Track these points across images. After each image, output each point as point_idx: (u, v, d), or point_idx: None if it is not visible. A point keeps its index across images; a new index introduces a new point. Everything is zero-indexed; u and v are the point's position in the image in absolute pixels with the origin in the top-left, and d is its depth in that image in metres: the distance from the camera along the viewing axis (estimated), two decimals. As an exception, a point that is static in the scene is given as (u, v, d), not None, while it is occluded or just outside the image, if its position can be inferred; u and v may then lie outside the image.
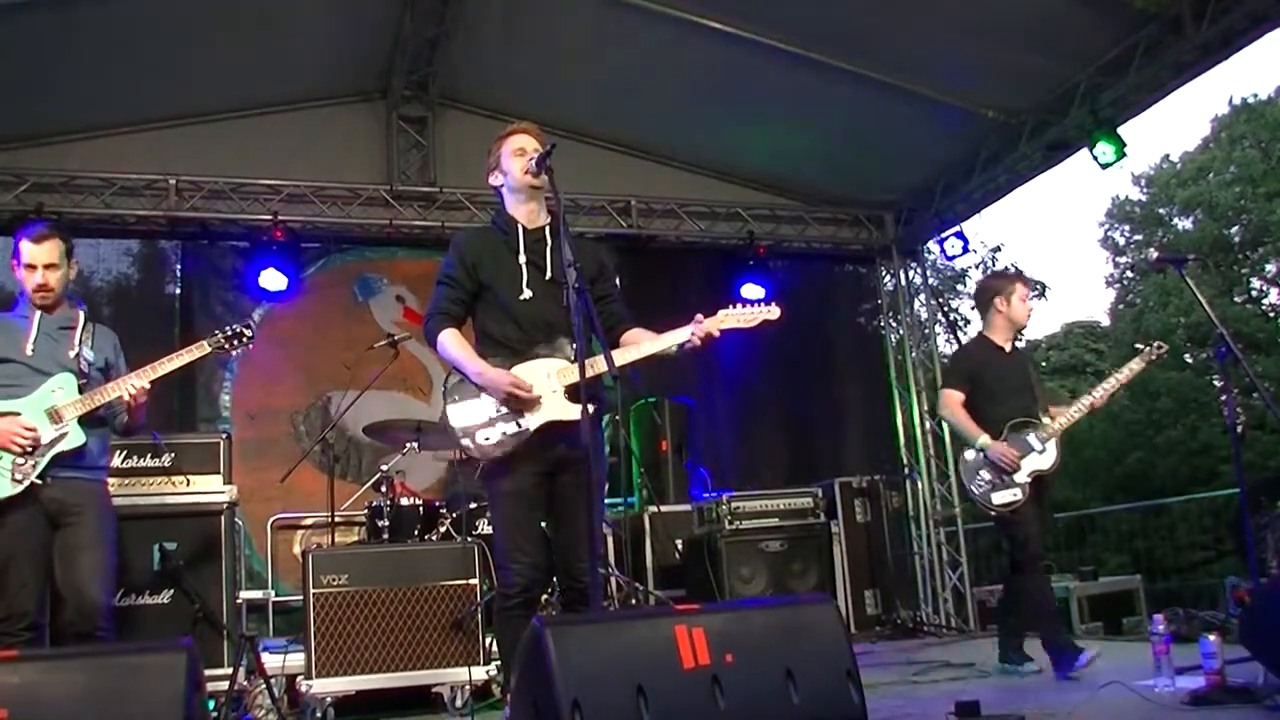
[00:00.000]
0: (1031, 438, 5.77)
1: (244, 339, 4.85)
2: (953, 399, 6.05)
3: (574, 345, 3.74)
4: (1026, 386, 5.98)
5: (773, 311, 4.19)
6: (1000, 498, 5.78)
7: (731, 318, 4.14)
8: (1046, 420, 5.83)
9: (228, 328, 4.86)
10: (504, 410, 3.94)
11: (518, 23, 8.33)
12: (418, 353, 8.91)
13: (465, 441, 3.97)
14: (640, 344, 4.12)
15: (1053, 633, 5.62)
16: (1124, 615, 8.32)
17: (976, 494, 5.89)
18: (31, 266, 4.60)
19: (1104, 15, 7.60)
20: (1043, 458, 5.79)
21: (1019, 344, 6.37)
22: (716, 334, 4.08)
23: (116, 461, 5.74)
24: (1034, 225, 61.22)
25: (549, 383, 3.94)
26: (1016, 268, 32.21)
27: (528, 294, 4.05)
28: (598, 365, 3.86)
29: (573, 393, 3.87)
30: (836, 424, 10.65)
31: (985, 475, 5.82)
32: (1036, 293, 6.83)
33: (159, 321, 8.94)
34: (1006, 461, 5.75)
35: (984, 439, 5.82)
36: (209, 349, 4.78)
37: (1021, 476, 5.76)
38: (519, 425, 3.93)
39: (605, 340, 3.92)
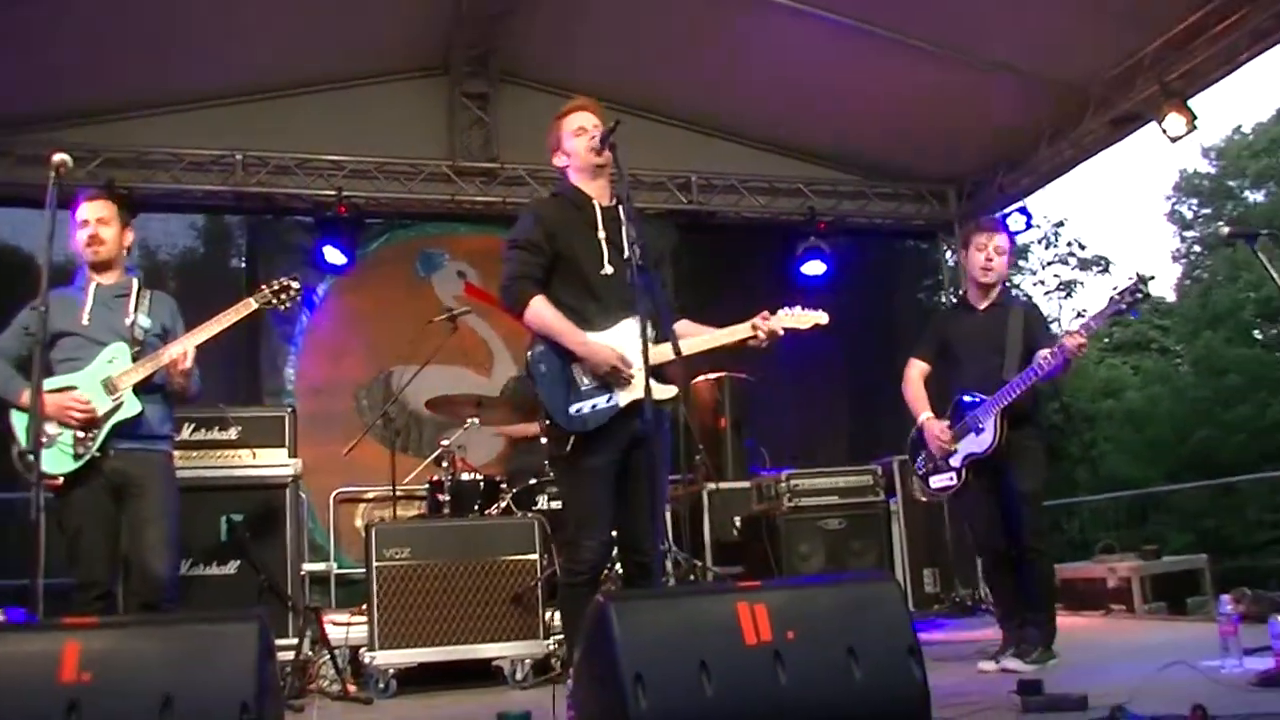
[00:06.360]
0: (975, 414, 5.21)
1: (291, 292, 4.86)
2: (910, 369, 5.59)
3: (650, 324, 3.77)
4: (995, 350, 5.23)
5: (822, 317, 4.27)
6: (936, 481, 5.39)
7: (789, 318, 4.19)
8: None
9: (274, 282, 4.86)
10: (594, 384, 3.95)
11: (579, -1, 8.33)
12: (478, 328, 8.99)
13: (555, 414, 3.95)
14: (704, 335, 4.15)
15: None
16: (1189, 595, 8.19)
17: (919, 475, 5.52)
18: (84, 222, 4.66)
19: (1175, -17, 7.42)
20: (979, 439, 5.20)
21: (1008, 301, 5.50)
22: (781, 333, 4.14)
23: (185, 434, 5.83)
24: (1099, 199, 60.14)
25: (636, 360, 3.92)
26: (1081, 244, 31.84)
27: (609, 270, 4.06)
28: (666, 351, 3.85)
29: (654, 372, 3.86)
30: (896, 401, 10.51)
31: (926, 454, 5.45)
32: (1000, 238, 6.37)
33: (225, 295, 8.91)
34: (934, 441, 5.34)
35: (924, 414, 5.42)
36: (255, 305, 4.78)
37: (956, 460, 5.29)
38: (609, 401, 3.93)
39: (669, 323, 3.91)
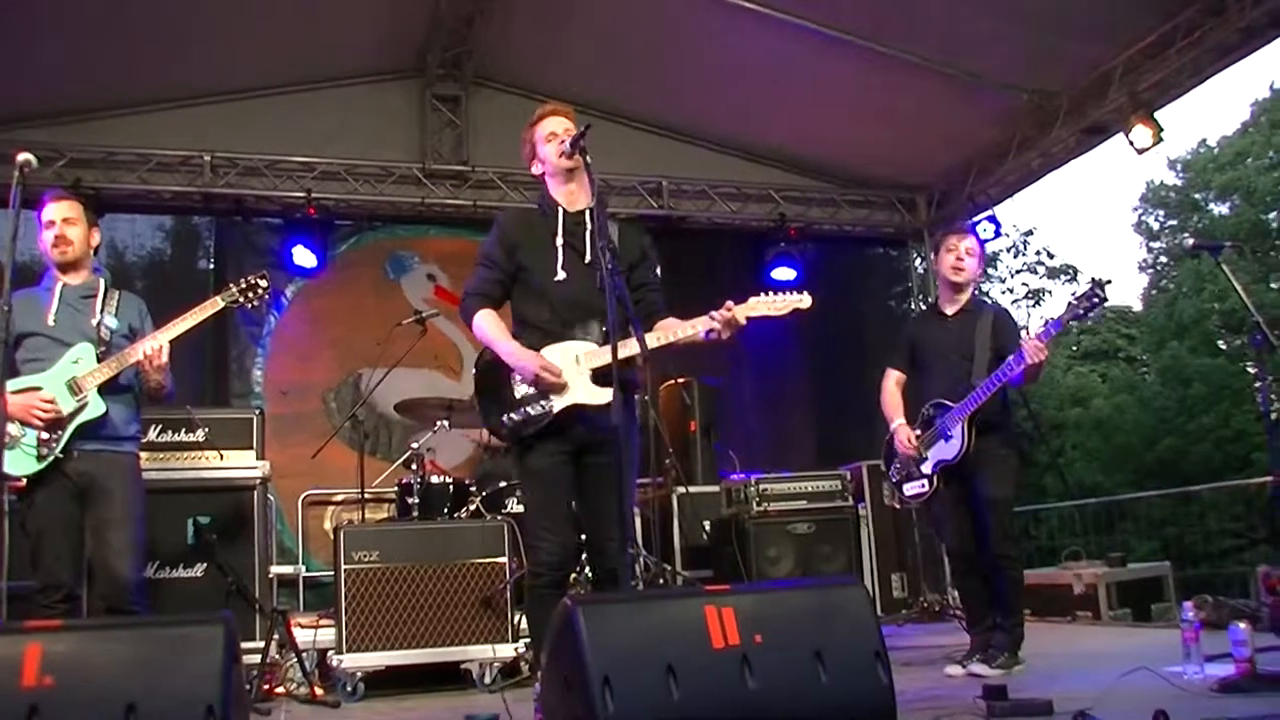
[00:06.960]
0: (944, 421, 5.22)
1: (259, 290, 4.83)
2: (886, 380, 5.60)
3: (605, 328, 3.73)
4: (964, 356, 5.25)
5: (804, 300, 4.10)
6: (909, 489, 5.41)
7: (762, 305, 4.03)
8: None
9: (242, 280, 4.83)
10: (531, 391, 3.96)
11: (552, 2, 8.32)
12: (448, 330, 8.94)
13: (490, 421, 4.05)
14: (667, 330, 4.08)
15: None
16: (1153, 602, 8.26)
17: (893, 482, 5.54)
18: (50, 223, 4.63)
19: (1144, -4, 7.49)
20: (947, 446, 5.20)
21: (978, 307, 5.49)
22: (743, 322, 3.97)
23: (151, 435, 5.80)
24: (1067, 209, 60.71)
25: (577, 366, 3.95)
26: (1049, 252, 32.10)
27: (561, 275, 4.03)
28: (627, 348, 3.80)
29: (599, 376, 3.89)
30: (866, 407, 10.51)
31: (899, 462, 5.45)
32: (970, 240, 6.29)
33: (192, 297, 8.82)
34: (904, 448, 5.34)
35: (896, 421, 5.43)
36: (223, 303, 4.76)
37: (927, 467, 5.29)
38: (543, 407, 3.94)
39: (639, 323, 3.83)
